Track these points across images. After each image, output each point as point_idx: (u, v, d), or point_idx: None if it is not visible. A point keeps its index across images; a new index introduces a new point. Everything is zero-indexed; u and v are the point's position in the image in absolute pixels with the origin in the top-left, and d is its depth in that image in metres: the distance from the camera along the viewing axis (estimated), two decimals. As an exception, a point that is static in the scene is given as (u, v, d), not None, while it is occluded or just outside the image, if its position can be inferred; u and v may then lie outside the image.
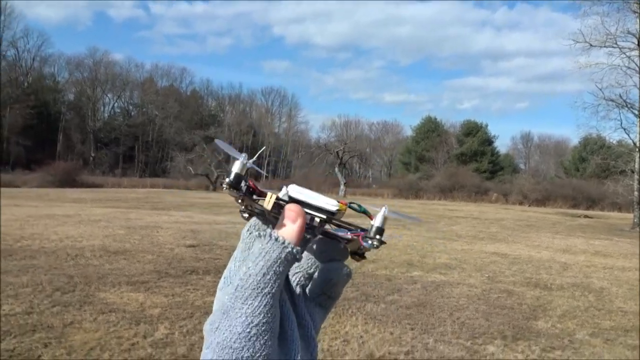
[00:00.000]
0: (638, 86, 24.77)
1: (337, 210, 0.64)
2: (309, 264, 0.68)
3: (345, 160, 53.10)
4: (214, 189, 42.76)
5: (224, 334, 0.52)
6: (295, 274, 0.67)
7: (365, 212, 0.67)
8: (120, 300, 5.85)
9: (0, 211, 13.82)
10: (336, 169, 49.55)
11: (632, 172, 25.89)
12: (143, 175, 59.30)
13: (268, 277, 0.54)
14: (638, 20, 24.32)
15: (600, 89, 25.51)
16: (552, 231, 19.19)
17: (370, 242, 0.64)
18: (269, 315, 0.53)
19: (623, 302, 7.46)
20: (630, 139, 26.57)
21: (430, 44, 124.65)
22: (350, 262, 0.70)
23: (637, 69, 24.62)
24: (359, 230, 0.67)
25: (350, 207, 0.66)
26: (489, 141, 65.33)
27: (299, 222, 0.60)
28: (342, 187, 45.79)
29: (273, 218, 0.65)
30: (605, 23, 24.60)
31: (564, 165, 65.43)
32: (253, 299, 0.53)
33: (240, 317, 0.52)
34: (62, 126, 61.58)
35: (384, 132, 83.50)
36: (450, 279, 8.38)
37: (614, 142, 30.41)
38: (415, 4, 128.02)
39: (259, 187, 0.64)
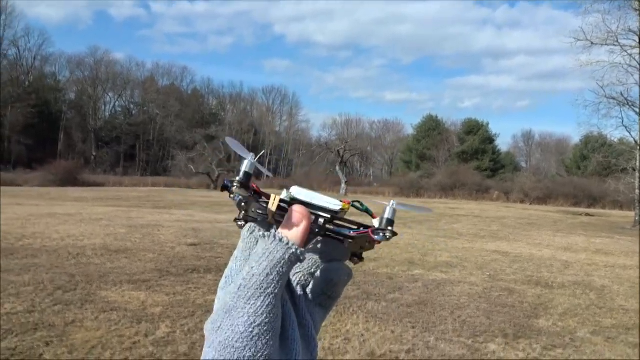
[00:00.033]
0: (639, 84, 24.75)
1: (341, 209, 0.64)
2: (310, 264, 0.68)
3: (347, 159, 53.04)
4: (215, 188, 42.74)
5: (226, 333, 0.53)
6: (296, 274, 0.67)
7: (367, 211, 0.68)
8: (121, 299, 5.86)
9: (0, 210, 13.84)
10: (337, 168, 49.52)
11: (634, 170, 25.84)
12: (144, 174, 59.35)
13: (271, 277, 0.54)
14: (639, 18, 24.27)
15: (602, 87, 25.48)
16: (553, 229, 19.18)
17: (381, 234, 0.64)
18: (272, 315, 0.54)
19: (624, 300, 7.46)
20: (632, 137, 26.57)
21: (431, 43, 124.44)
22: (348, 262, 0.70)
23: (638, 66, 24.56)
24: (361, 228, 0.67)
25: (353, 205, 0.66)
26: (490, 139, 65.27)
27: (304, 223, 0.60)
28: (343, 185, 45.76)
29: (274, 221, 0.65)
30: (607, 21, 24.55)
31: (565, 164, 65.39)
32: (256, 299, 0.53)
33: (242, 316, 0.53)
34: (64, 125, 61.60)
35: (385, 131, 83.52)
36: (451, 278, 8.38)
37: (616, 140, 30.43)
38: (416, 2, 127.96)
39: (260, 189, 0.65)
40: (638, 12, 24.09)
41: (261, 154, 0.68)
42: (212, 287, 6.53)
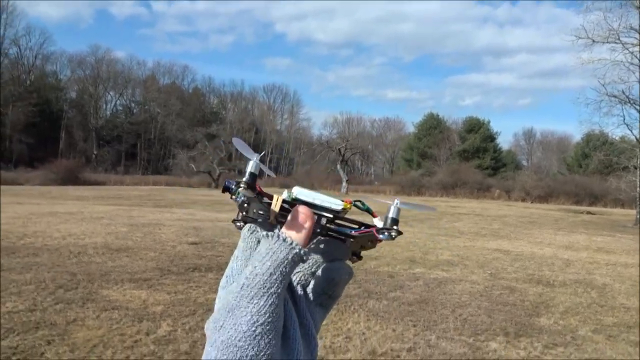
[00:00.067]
0: (640, 82, 24.69)
1: (342, 209, 0.65)
2: (310, 264, 0.68)
3: (347, 157, 53.03)
4: (216, 186, 42.77)
5: (228, 332, 0.53)
6: (296, 274, 0.67)
7: (368, 211, 0.68)
8: (122, 297, 5.87)
9: (0, 208, 13.86)
10: (338, 166, 49.47)
11: (635, 168, 25.82)
12: (145, 172, 59.42)
13: (274, 277, 0.55)
14: (640, 15, 24.20)
15: (603, 85, 25.44)
16: (554, 228, 19.17)
17: (387, 233, 0.65)
18: (274, 314, 0.54)
19: (626, 298, 7.46)
20: (633, 135, 26.51)
21: (432, 41, 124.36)
22: (347, 261, 0.70)
23: (640, 64, 24.52)
24: (363, 227, 0.68)
25: (354, 205, 0.66)
26: (491, 138, 65.22)
27: (308, 224, 0.61)
28: (344, 184, 45.73)
29: (275, 221, 0.65)
30: (608, 19, 24.49)
31: (566, 162, 65.34)
32: (259, 298, 0.53)
33: (245, 315, 0.53)
34: (65, 124, 61.65)
35: (386, 129, 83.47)
36: (452, 276, 8.38)
37: (617, 138, 30.32)
38: (417, 0, 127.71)
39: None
40: (639, 9, 24.03)
41: (262, 154, 0.68)
42: (213, 286, 6.54)
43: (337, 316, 5.51)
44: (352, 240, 0.68)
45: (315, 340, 0.63)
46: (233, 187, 0.65)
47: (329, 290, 0.67)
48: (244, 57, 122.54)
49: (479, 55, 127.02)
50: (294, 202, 0.64)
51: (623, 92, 25.30)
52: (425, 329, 5.36)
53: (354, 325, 5.28)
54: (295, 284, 0.66)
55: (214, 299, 0.62)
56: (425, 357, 4.56)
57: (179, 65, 77.65)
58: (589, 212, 31.38)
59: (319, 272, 0.68)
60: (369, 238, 0.67)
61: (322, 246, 0.69)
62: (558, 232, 17.56)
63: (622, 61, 24.69)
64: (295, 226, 0.60)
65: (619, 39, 24.59)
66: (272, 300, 0.54)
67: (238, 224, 0.67)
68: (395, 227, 0.65)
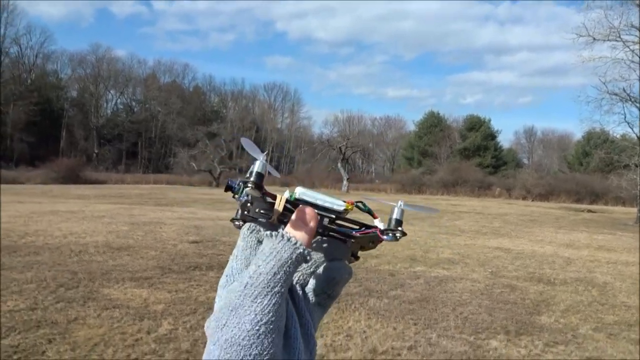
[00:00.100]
0: (641, 80, 24.65)
1: (344, 209, 0.65)
2: (310, 264, 0.68)
3: (348, 156, 53.01)
4: (217, 185, 42.78)
5: (232, 330, 0.53)
6: (296, 273, 0.67)
7: (369, 212, 0.68)
8: (124, 296, 5.87)
9: (0, 207, 13.87)
10: (339, 165, 49.44)
11: (636, 166, 25.77)
12: (146, 171, 59.43)
13: (278, 276, 0.55)
14: (641, 13, 24.15)
15: (604, 83, 25.40)
16: (555, 226, 19.16)
17: (391, 234, 0.65)
18: (278, 314, 0.54)
19: (626, 296, 7.46)
20: (634, 132, 26.50)
21: (433, 39, 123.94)
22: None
23: (641, 62, 24.48)
24: (364, 228, 0.68)
25: (356, 206, 0.66)
26: (492, 136, 65.14)
27: (312, 224, 0.61)
28: (344, 182, 45.71)
29: (277, 221, 0.65)
30: (609, 16, 24.44)
31: (567, 160, 65.28)
32: (263, 298, 0.53)
33: (249, 314, 0.53)
34: (65, 123, 61.64)
35: (387, 127, 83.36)
36: (453, 274, 8.38)
37: (618, 136, 30.32)
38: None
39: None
40: (640, 7, 23.99)
41: (264, 152, 0.68)
42: (214, 285, 6.53)
43: (338, 314, 5.51)
44: (352, 240, 0.68)
45: (314, 340, 0.63)
46: (236, 186, 0.65)
47: (328, 290, 0.67)
48: (245, 56, 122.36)
49: (479, 53, 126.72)
50: (297, 202, 0.64)
51: (624, 90, 25.28)
52: (426, 328, 5.36)
53: (354, 324, 5.28)
54: (294, 283, 0.66)
55: (215, 298, 0.62)
56: (426, 356, 4.57)
57: (180, 64, 77.77)
58: (589, 211, 31.37)
59: (319, 271, 0.68)
60: (371, 239, 0.68)
61: (322, 246, 0.69)
62: (559, 230, 17.56)
63: (622, 59, 24.68)
64: (300, 226, 0.60)
65: (619, 36, 24.55)
66: (275, 299, 0.54)
67: (237, 222, 0.68)
68: (400, 228, 0.65)
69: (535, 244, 13.12)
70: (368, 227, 0.68)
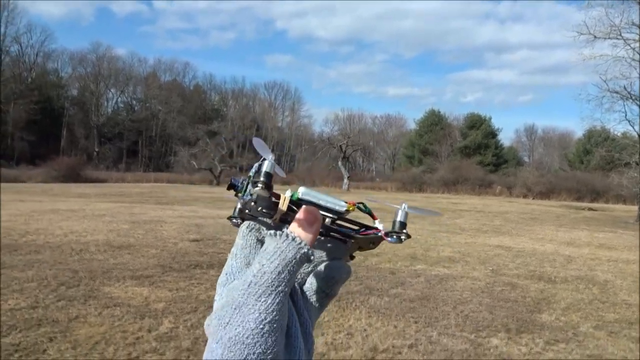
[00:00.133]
0: (642, 78, 24.62)
1: (346, 210, 0.65)
2: (309, 263, 0.69)
3: (349, 154, 53.03)
4: (218, 184, 42.80)
5: (236, 329, 0.53)
6: None
7: (369, 213, 0.69)
8: (124, 294, 5.88)
9: (1, 206, 13.89)
10: (339, 163, 49.44)
11: (637, 164, 25.75)
12: (147, 170, 59.46)
13: (283, 275, 0.55)
14: (642, 11, 24.12)
15: (605, 81, 25.37)
16: (556, 224, 19.16)
17: (395, 236, 0.66)
18: (281, 313, 0.54)
19: (627, 294, 7.45)
20: (635, 130, 26.47)
21: (433, 37, 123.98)
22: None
23: (641, 60, 24.45)
24: (364, 229, 0.68)
25: (357, 207, 0.67)
26: (492, 134, 65.10)
27: (316, 225, 0.61)
28: (345, 180, 45.71)
29: (279, 220, 0.66)
30: (610, 14, 24.42)
31: (568, 158, 65.26)
32: (267, 296, 0.54)
33: (253, 313, 0.53)
34: (66, 121, 61.66)
35: (387, 126, 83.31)
36: (453, 272, 8.39)
37: (619, 134, 30.34)
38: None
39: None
40: (641, 5, 23.95)
41: (272, 154, 0.69)
42: (214, 283, 6.42)
43: (339, 313, 5.52)
44: (352, 241, 0.69)
45: (312, 339, 0.64)
46: (239, 184, 0.65)
47: (327, 289, 0.68)
48: (245, 54, 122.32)
49: (480, 51, 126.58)
50: (299, 202, 0.64)
51: (625, 88, 25.26)
52: (427, 326, 5.36)
53: (355, 322, 5.29)
54: None
55: (215, 296, 0.62)
56: (426, 354, 4.57)
57: (180, 62, 77.70)
58: (590, 209, 31.36)
59: (318, 270, 0.68)
60: (371, 240, 0.68)
61: (321, 245, 0.69)
62: (559, 228, 17.56)
63: (623, 57, 24.66)
64: (304, 226, 0.61)
65: (620, 34, 24.53)
66: (279, 298, 0.54)
67: (235, 220, 0.68)
68: (404, 231, 0.66)
69: (536, 242, 13.12)
70: (368, 228, 0.68)
